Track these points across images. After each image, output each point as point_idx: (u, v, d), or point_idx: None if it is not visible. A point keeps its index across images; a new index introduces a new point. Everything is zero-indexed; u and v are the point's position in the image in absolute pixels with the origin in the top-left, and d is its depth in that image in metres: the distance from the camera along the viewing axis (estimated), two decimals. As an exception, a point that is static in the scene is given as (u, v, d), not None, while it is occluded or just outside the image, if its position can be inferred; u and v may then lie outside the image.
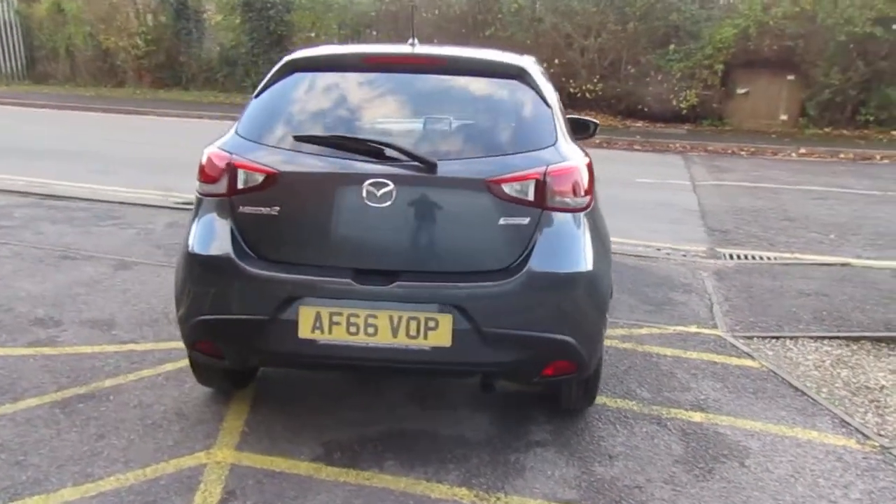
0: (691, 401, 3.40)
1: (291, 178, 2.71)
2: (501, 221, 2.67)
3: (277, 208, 2.71)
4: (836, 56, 12.83)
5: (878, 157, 11.52)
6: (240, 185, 2.75)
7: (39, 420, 3.10)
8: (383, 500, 2.61)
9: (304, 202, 2.74)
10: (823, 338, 4.12)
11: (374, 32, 16.15)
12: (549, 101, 2.99)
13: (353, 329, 2.64)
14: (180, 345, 3.80)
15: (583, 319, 2.76)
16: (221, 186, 2.78)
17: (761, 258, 5.93)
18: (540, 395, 3.32)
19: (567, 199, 2.73)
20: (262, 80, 3.14)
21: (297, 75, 3.05)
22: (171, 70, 18.27)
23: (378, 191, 2.62)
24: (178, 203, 7.26)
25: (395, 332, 2.63)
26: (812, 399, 3.42)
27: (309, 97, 3.03)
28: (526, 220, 2.68)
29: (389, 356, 2.68)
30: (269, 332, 2.71)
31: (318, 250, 2.74)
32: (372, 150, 2.70)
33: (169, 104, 16.08)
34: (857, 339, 4.07)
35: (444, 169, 2.65)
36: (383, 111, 3.01)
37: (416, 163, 2.65)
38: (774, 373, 3.70)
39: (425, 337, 2.63)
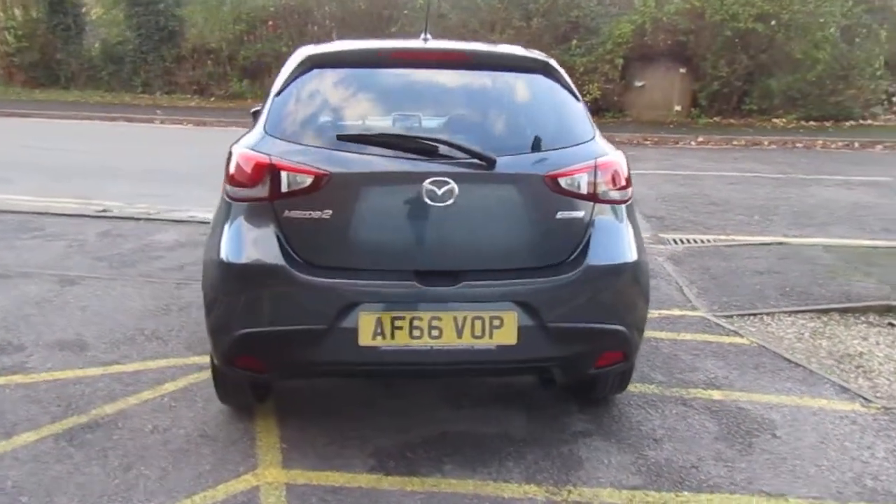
0: (704, 380, 3.54)
1: (344, 179, 2.58)
2: (559, 216, 2.67)
3: (329, 211, 2.57)
4: (723, 50, 13.72)
5: (766, 142, 12.45)
6: (284, 189, 2.59)
7: (48, 456, 2.81)
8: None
9: (359, 204, 2.60)
10: (796, 312, 4.42)
11: (276, 27, 15.66)
12: (577, 94, 3.03)
13: (416, 333, 2.57)
14: (174, 362, 3.64)
15: (632, 309, 2.81)
16: (261, 190, 2.61)
17: (704, 241, 6.26)
18: (565, 387, 3.34)
19: (614, 192, 2.77)
20: (277, 76, 2.99)
21: (316, 71, 2.92)
22: (46, 69, 16.94)
23: (439, 189, 2.55)
24: (100, 212, 6.76)
25: (459, 333, 2.58)
26: (808, 370, 3.66)
27: (338, 94, 2.91)
28: (581, 214, 2.70)
29: (454, 358, 2.63)
30: (326, 341, 2.57)
31: (375, 253, 2.63)
32: (425, 148, 2.63)
33: (51, 105, 14.91)
34: (825, 312, 4.40)
35: (502, 165, 2.61)
36: (418, 108, 2.93)
37: (474, 159, 2.60)
38: (765, 347, 3.93)
39: (490, 336, 2.59)
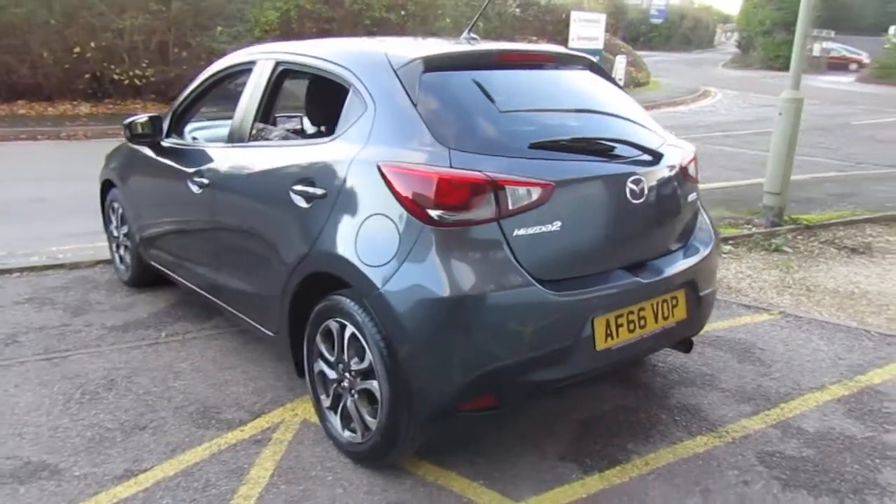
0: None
1: (567, 188, 2.50)
2: (689, 198, 3.02)
3: (558, 223, 2.47)
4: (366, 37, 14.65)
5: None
6: (511, 205, 2.39)
7: None
8: (675, 476, 2.77)
9: (579, 211, 2.55)
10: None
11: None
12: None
13: (631, 326, 2.68)
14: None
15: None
16: (485, 210, 2.36)
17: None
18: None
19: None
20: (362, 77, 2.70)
21: (437, 74, 2.69)
22: None
23: (637, 187, 2.67)
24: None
25: (656, 318, 2.77)
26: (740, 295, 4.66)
27: (478, 98, 2.71)
28: (695, 196, 3.09)
29: (653, 343, 2.81)
30: (570, 356, 2.51)
31: (596, 257, 2.62)
32: (604, 148, 2.70)
33: None
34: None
35: (665, 158, 2.84)
36: (548, 107, 2.90)
37: (647, 156, 2.77)
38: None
39: (672, 315, 2.85)
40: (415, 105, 2.56)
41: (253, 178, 3.14)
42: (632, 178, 2.66)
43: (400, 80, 2.63)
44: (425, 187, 2.36)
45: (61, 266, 5.11)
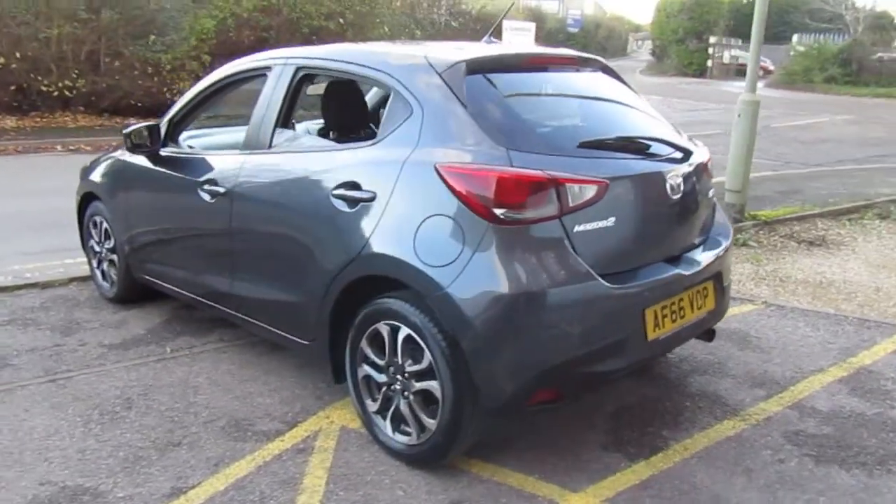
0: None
1: (619, 185, 2.59)
2: (709, 193, 3.17)
3: (612, 219, 2.56)
4: (305, 45, 14.47)
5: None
6: (571, 203, 2.46)
7: None
8: (716, 459, 2.90)
9: (629, 207, 2.65)
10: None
11: None
12: None
13: (674, 317, 2.80)
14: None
15: None
16: (548, 208, 2.43)
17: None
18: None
19: (708, 171, 3.38)
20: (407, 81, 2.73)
21: (479, 76, 2.75)
22: None
23: (675, 183, 2.79)
24: None
25: (692, 308, 2.91)
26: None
27: (520, 99, 2.78)
28: (713, 190, 3.25)
29: (689, 332, 2.94)
30: (625, 348, 2.60)
31: (644, 250, 2.73)
32: (643, 146, 2.82)
33: None
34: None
35: (693, 155, 2.98)
36: (584, 106, 2.99)
37: (678, 153, 2.90)
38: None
39: (703, 305, 2.98)
40: (465, 107, 2.60)
41: (283, 185, 3.09)
42: (670, 175, 2.78)
43: (446, 83, 2.66)
44: (489, 187, 2.40)
45: (33, 285, 4.85)
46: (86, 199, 4.60)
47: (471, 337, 2.42)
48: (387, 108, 2.81)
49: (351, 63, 3.01)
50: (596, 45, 56.93)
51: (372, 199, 2.68)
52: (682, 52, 38.67)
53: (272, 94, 3.27)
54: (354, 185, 2.75)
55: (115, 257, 4.39)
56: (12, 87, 12.30)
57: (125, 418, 3.14)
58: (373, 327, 2.76)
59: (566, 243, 2.45)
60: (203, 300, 3.71)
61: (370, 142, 2.84)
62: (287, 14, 14.03)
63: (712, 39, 36.67)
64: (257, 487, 2.66)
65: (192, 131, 4.20)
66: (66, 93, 12.47)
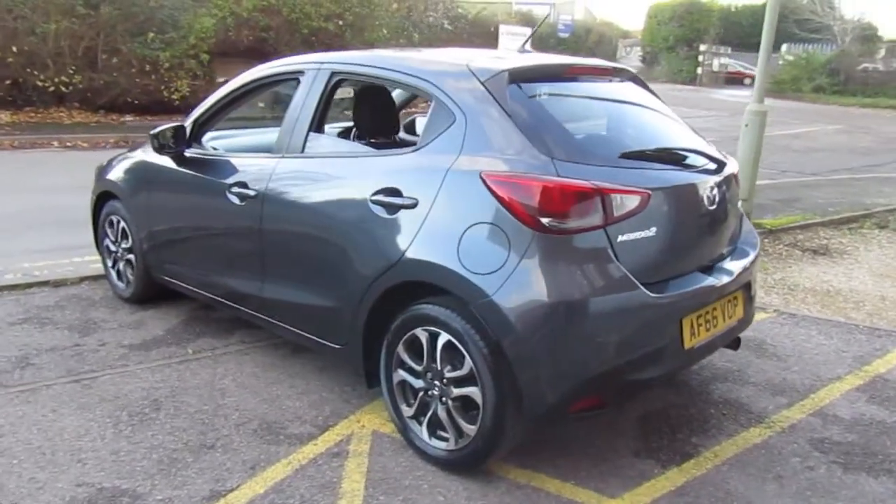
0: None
1: (659, 196, 2.63)
2: (738, 204, 3.22)
3: (654, 228, 2.60)
4: (302, 46, 14.43)
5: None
6: (616, 213, 2.50)
7: None
8: (746, 466, 2.95)
9: (669, 217, 2.68)
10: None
11: None
12: None
13: (708, 326, 2.84)
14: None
15: None
16: (594, 218, 2.46)
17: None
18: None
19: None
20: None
21: (521, 86, 2.78)
22: None
23: (711, 193, 2.83)
24: None
25: (724, 318, 2.95)
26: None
27: (561, 108, 2.81)
28: (740, 201, 3.29)
29: (720, 341, 2.98)
30: (664, 355, 2.64)
31: (682, 260, 2.77)
32: (680, 157, 2.86)
33: None
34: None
35: (726, 166, 3.03)
36: (619, 116, 3.03)
37: (712, 164, 2.95)
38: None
39: (733, 314, 3.03)
40: (509, 116, 2.62)
41: (319, 189, 3.10)
42: (706, 186, 2.82)
43: (490, 91, 2.69)
44: (535, 196, 2.43)
45: (45, 283, 4.82)
46: (102, 199, 4.58)
47: (516, 344, 2.45)
48: (428, 115, 2.83)
49: (391, 70, 3.03)
50: (586, 50, 56.96)
51: (413, 205, 2.70)
52: (673, 59, 38.94)
53: (306, 99, 3.28)
54: (395, 192, 2.77)
55: (132, 257, 4.37)
56: (7, 82, 12.18)
57: (155, 420, 3.13)
58: (410, 333, 2.78)
59: (610, 252, 2.49)
60: (226, 301, 3.71)
61: (410, 148, 2.85)
62: (287, 15, 14.00)
63: (702, 47, 36.93)
64: (296, 491, 2.66)
65: (215, 132, 4.19)
66: (62, 88, 12.37)
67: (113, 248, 4.55)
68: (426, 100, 2.89)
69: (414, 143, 2.92)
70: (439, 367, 2.71)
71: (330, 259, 3.02)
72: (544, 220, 2.42)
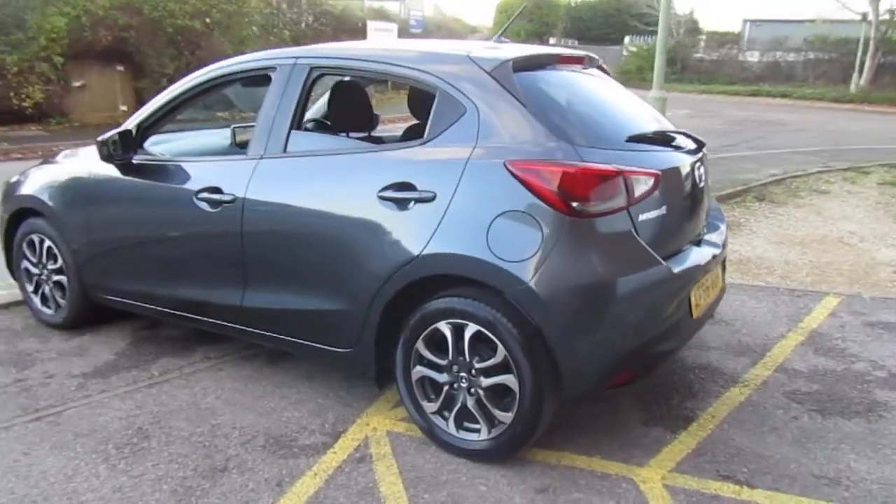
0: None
1: (666, 176, 2.76)
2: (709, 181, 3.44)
3: (665, 207, 2.73)
4: (167, 46, 13.66)
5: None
6: (637, 193, 2.60)
7: None
8: (743, 423, 3.17)
9: (673, 195, 2.82)
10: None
11: None
12: None
13: (705, 296, 3.03)
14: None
15: None
16: (619, 200, 2.55)
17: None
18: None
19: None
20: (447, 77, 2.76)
21: (525, 74, 2.83)
22: None
23: (700, 171, 3.02)
24: None
25: (713, 288, 3.16)
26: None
27: (561, 96, 2.88)
28: (706, 177, 3.53)
29: (709, 311, 3.18)
30: (681, 327, 2.79)
31: (682, 235, 2.93)
32: (670, 138, 3.02)
33: None
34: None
35: (704, 146, 3.23)
36: (609, 103, 3.14)
37: (694, 144, 3.14)
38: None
39: (716, 284, 3.25)
40: (524, 104, 2.65)
41: (312, 189, 2.97)
42: (695, 164, 3.01)
43: (498, 81, 2.70)
44: (563, 181, 2.48)
45: (-52, 317, 4.27)
46: (15, 217, 4.12)
47: (557, 328, 2.49)
48: (433, 108, 2.80)
49: (384, 63, 2.96)
50: (438, 46, 58.28)
51: (431, 198, 2.66)
52: (525, 52, 40.54)
53: (282, 96, 3.13)
54: (407, 186, 2.72)
55: (62, 278, 3.97)
56: None
57: (148, 449, 2.89)
58: (431, 327, 2.75)
59: (633, 232, 2.59)
60: (190, 315, 3.47)
61: (417, 142, 2.81)
62: (148, 13, 13.16)
63: (552, 41, 38.68)
64: (336, 501, 2.56)
65: (155, 137, 3.89)
66: None
67: (35, 270, 4.11)
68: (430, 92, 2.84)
69: (391, 137, 2.87)
70: (467, 359, 2.70)
71: (328, 261, 2.91)
72: (574, 205, 2.48)
